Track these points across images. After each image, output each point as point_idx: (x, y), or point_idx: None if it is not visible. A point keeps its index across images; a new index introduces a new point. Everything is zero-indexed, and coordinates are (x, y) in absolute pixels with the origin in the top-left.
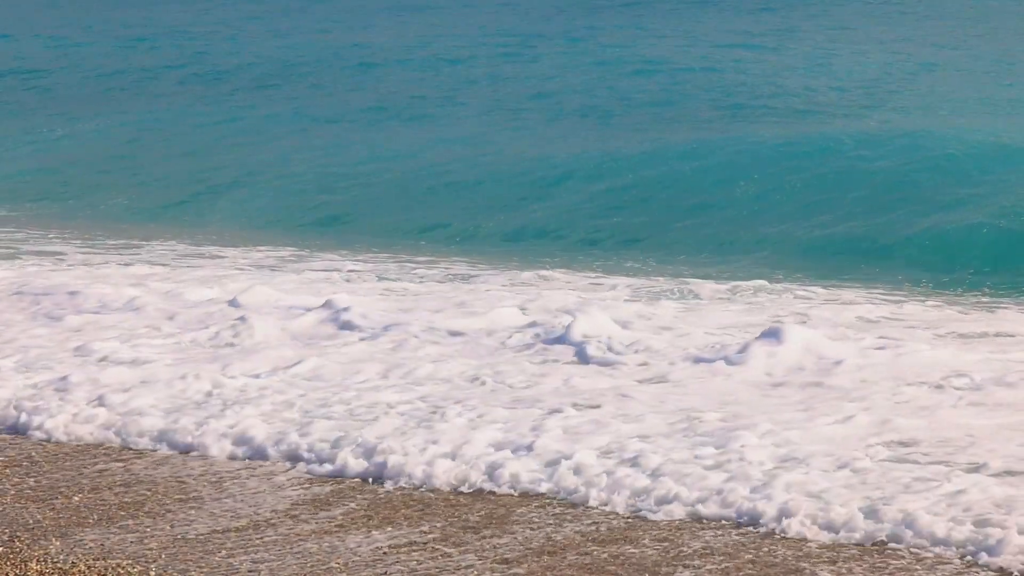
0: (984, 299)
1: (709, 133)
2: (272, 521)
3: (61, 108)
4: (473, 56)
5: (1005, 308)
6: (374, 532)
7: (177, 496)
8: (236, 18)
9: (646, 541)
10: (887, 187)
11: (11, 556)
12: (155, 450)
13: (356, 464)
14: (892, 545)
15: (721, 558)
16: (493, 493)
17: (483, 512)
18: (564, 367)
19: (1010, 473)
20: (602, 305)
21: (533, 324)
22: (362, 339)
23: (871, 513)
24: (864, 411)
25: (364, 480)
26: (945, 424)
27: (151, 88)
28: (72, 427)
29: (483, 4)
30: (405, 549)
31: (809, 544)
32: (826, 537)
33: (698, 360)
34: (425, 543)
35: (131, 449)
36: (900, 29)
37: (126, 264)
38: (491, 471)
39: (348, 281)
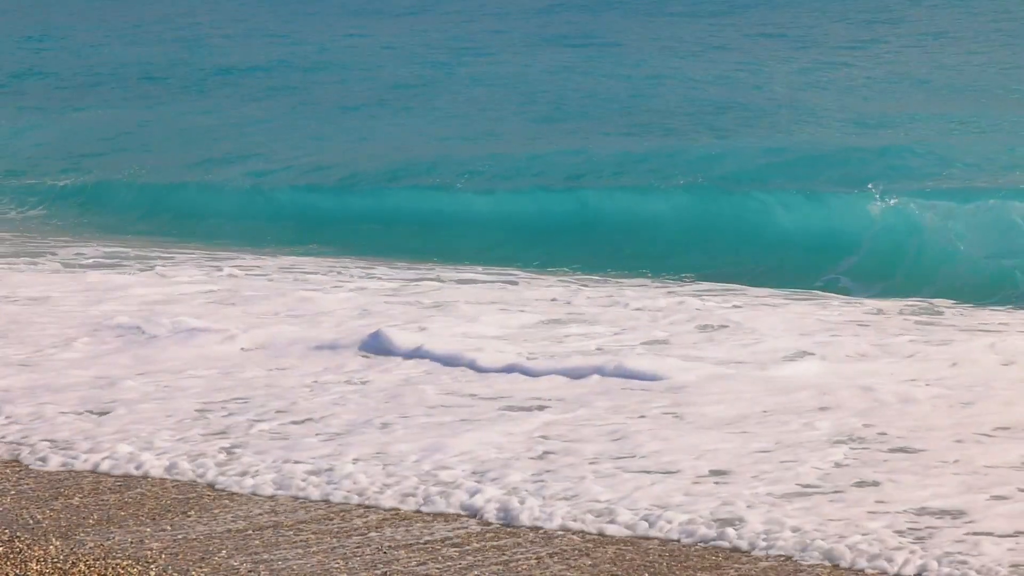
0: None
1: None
2: (272, 522)
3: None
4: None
5: None
6: (373, 533)
7: (177, 497)
8: (226, 19)
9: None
10: None
11: (11, 556)
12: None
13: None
14: None
15: None
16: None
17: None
18: None
19: None
20: None
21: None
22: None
23: None
24: None
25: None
26: None
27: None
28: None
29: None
30: (405, 550)
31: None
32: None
33: None
34: (426, 544)
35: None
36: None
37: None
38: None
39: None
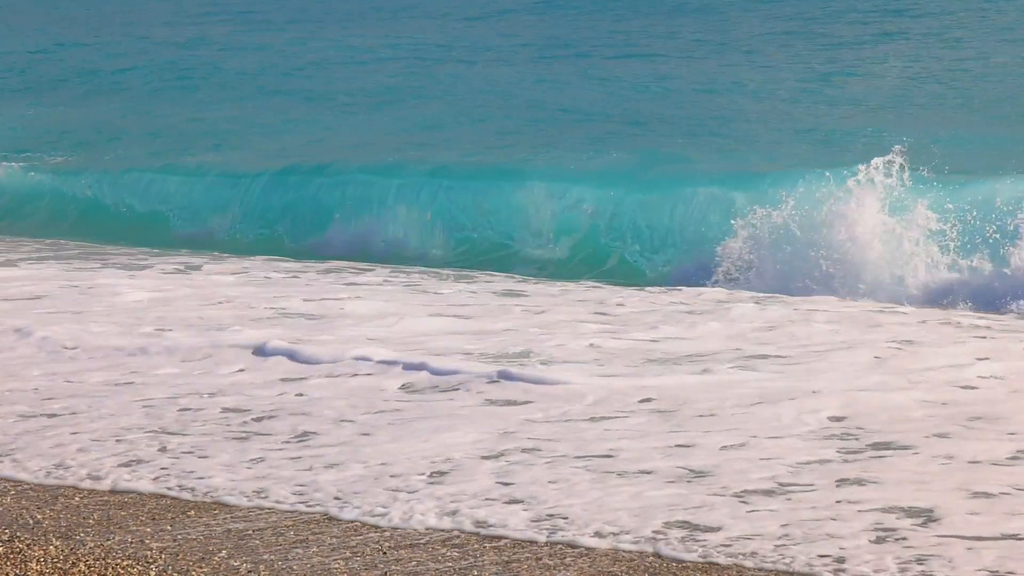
0: None
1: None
2: (272, 522)
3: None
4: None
5: None
6: (373, 533)
7: (177, 496)
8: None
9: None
10: None
11: (11, 556)
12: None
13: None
14: None
15: None
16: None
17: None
18: None
19: None
20: None
21: None
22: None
23: None
24: None
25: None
26: None
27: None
28: None
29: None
30: (405, 550)
31: None
32: None
33: None
34: (426, 545)
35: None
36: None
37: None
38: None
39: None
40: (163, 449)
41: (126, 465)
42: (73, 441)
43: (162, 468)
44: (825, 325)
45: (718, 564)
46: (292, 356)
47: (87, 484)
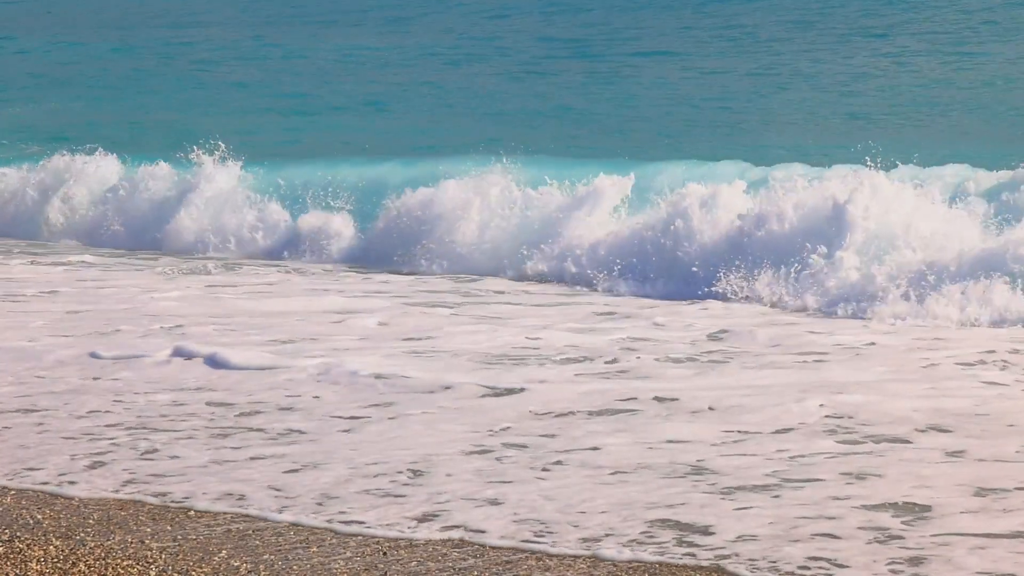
0: None
1: None
2: (272, 523)
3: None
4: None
5: None
6: (373, 533)
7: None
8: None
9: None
10: None
11: (11, 556)
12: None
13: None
14: None
15: None
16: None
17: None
18: None
19: None
20: None
21: None
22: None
23: None
24: None
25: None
26: None
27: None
28: None
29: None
30: (406, 550)
31: None
32: None
33: None
34: (426, 544)
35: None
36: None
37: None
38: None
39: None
40: (134, 449)
41: (92, 468)
42: (43, 442)
43: (131, 473)
44: (822, 325)
45: (717, 565)
46: (211, 361)
47: (61, 490)
